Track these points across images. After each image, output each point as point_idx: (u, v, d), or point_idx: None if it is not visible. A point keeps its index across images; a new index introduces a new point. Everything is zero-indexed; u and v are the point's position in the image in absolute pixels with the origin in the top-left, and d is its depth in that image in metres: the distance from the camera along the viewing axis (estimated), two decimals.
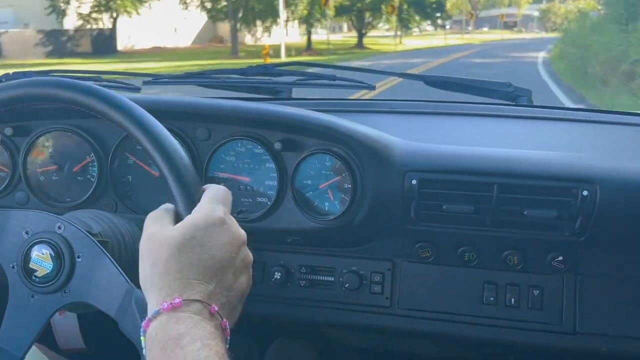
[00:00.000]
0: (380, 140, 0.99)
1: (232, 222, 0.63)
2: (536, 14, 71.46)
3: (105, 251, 0.72)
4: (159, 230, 0.61)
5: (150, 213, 0.65)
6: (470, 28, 53.64)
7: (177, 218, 0.64)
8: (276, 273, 1.07)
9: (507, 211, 0.93)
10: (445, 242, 1.00)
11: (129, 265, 0.76)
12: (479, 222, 0.94)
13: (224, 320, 0.57)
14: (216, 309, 0.56)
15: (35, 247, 0.73)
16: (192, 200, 0.66)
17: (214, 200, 0.63)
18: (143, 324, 0.57)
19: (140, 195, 1.08)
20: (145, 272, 0.60)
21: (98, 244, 0.72)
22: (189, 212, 0.63)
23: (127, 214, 1.04)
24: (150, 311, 0.57)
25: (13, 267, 0.74)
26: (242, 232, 0.63)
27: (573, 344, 0.99)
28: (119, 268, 0.71)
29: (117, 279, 0.70)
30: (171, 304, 0.55)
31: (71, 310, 0.81)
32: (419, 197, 0.95)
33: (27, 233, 0.74)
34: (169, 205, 0.67)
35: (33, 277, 0.73)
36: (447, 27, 64.45)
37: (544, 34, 57.26)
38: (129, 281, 0.70)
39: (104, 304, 0.70)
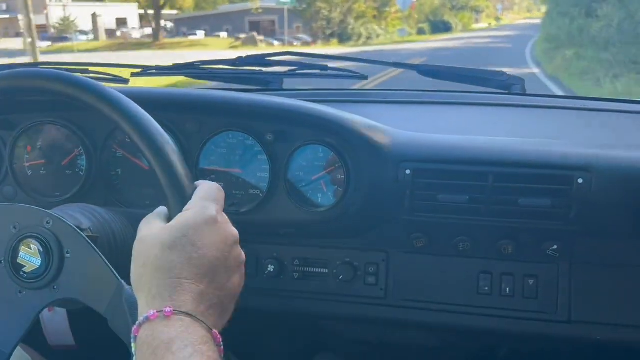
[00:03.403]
0: (374, 130, 0.98)
1: (224, 220, 0.62)
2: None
3: (95, 247, 0.71)
4: (150, 231, 0.61)
5: (144, 218, 0.65)
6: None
7: (169, 218, 0.63)
8: (269, 266, 1.06)
9: (501, 200, 0.92)
10: (439, 232, 1.00)
11: (120, 261, 0.75)
12: (473, 211, 0.94)
13: (214, 331, 0.56)
14: (217, 334, 0.56)
15: (24, 242, 0.72)
16: (183, 198, 0.65)
17: (205, 198, 0.62)
18: (133, 329, 0.55)
19: (130, 188, 1.06)
20: (136, 273, 0.59)
21: (88, 239, 0.71)
22: (180, 210, 0.62)
23: (117, 207, 1.03)
24: (141, 314, 0.56)
25: (0, 262, 0.72)
26: (235, 231, 0.63)
27: (568, 332, 0.99)
28: (109, 264, 0.70)
29: (107, 275, 0.69)
30: (159, 311, 0.54)
31: (61, 306, 0.80)
32: (413, 188, 0.94)
33: (15, 228, 0.72)
34: (162, 209, 0.66)
35: (21, 273, 0.72)
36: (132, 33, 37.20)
37: (313, 48, 29.03)
38: (119, 278, 0.69)
39: (93, 301, 0.70)
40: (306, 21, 37.36)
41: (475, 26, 57.75)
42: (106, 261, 0.70)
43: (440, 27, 47.83)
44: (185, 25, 39.30)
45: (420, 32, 45.17)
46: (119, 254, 0.81)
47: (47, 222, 0.72)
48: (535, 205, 0.91)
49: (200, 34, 36.33)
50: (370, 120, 1.00)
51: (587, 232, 0.94)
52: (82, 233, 0.72)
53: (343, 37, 36.12)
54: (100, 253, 0.70)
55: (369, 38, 36.87)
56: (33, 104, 1.05)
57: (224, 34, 31.70)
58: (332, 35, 36.37)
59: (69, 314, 1.22)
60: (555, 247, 0.97)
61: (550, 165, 0.91)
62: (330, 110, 0.99)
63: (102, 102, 0.68)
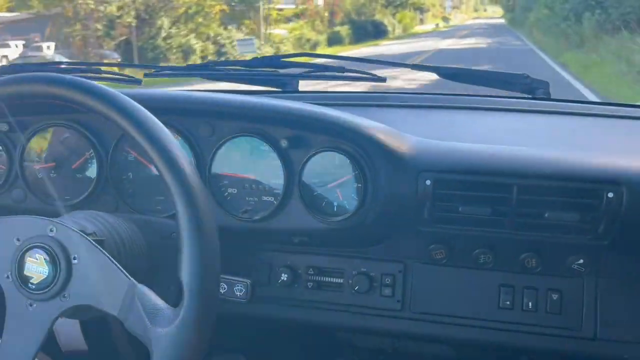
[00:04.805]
0: (392, 137, 0.94)
1: None
2: None
3: (102, 249, 0.69)
4: None
5: None
6: None
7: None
8: (283, 274, 1.03)
9: (526, 213, 0.88)
10: (460, 243, 0.96)
11: (128, 264, 0.74)
12: (496, 224, 0.90)
13: None
14: None
15: (29, 253, 0.71)
16: (193, 207, 0.66)
17: None
18: None
19: (142, 193, 1.04)
20: None
21: (94, 242, 0.70)
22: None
23: (128, 213, 1.01)
24: None
25: (7, 277, 0.72)
26: None
27: (593, 350, 0.95)
28: (118, 265, 0.68)
29: (117, 276, 0.68)
30: None
31: (73, 316, 0.78)
32: (433, 199, 0.91)
33: (18, 240, 0.71)
34: None
35: (29, 285, 0.71)
36: None
37: None
38: (130, 277, 0.68)
39: (105, 304, 0.69)
40: (58, 28, 18.23)
41: (419, 28, 43.17)
42: (115, 262, 0.69)
43: (370, 30, 30.65)
44: (8, 32, 19.76)
45: (334, 40, 26.40)
46: (127, 257, 0.79)
47: (51, 230, 0.71)
48: (562, 219, 0.87)
49: (16, 47, 18.94)
50: (388, 127, 0.96)
51: (615, 247, 0.90)
52: (87, 237, 0.71)
53: (146, 54, 17.03)
54: (107, 255, 0.69)
55: (221, 52, 18.64)
56: (44, 106, 1.03)
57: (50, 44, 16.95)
58: (126, 50, 17.08)
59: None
60: (581, 261, 0.93)
61: (578, 178, 0.87)
62: (346, 116, 0.96)
63: (114, 112, 0.67)
